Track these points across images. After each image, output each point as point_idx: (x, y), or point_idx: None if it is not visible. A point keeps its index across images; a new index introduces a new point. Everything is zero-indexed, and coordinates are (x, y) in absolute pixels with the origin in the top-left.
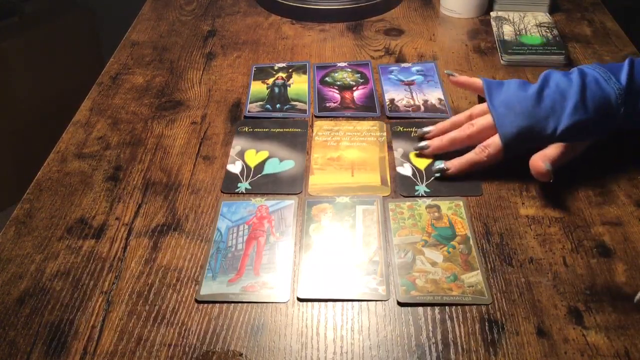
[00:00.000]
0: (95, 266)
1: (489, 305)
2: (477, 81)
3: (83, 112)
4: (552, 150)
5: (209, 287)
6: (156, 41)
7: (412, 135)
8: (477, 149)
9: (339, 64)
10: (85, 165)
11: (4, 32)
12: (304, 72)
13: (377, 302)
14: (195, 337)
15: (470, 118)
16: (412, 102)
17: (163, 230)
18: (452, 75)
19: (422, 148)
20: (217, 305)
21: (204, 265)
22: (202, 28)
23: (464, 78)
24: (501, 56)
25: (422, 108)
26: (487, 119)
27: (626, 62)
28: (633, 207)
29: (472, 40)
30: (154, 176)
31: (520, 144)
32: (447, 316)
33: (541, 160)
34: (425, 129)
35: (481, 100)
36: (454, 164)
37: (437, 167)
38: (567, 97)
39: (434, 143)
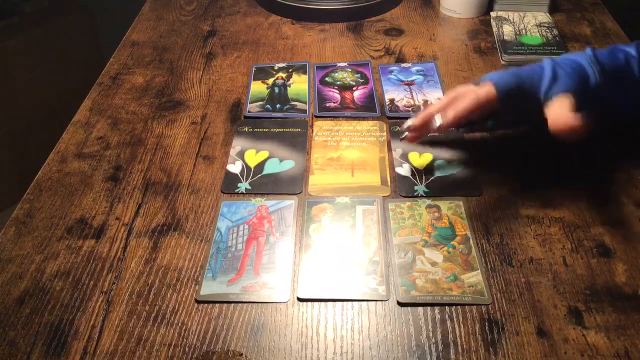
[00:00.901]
0: (95, 266)
1: (489, 305)
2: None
3: (83, 112)
4: (563, 100)
5: (209, 287)
6: (156, 41)
7: None
8: (468, 96)
9: (339, 64)
10: (85, 165)
11: (4, 32)
12: (304, 72)
13: (377, 302)
14: (195, 337)
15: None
16: (412, 102)
17: (163, 230)
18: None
19: (404, 132)
20: (217, 305)
21: (204, 265)
22: (202, 28)
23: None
24: (501, 56)
25: (422, 108)
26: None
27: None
28: (633, 207)
29: (472, 40)
30: (154, 176)
31: (514, 88)
32: (447, 316)
33: (566, 109)
34: (409, 123)
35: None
36: (449, 114)
37: (437, 121)
38: (539, 78)
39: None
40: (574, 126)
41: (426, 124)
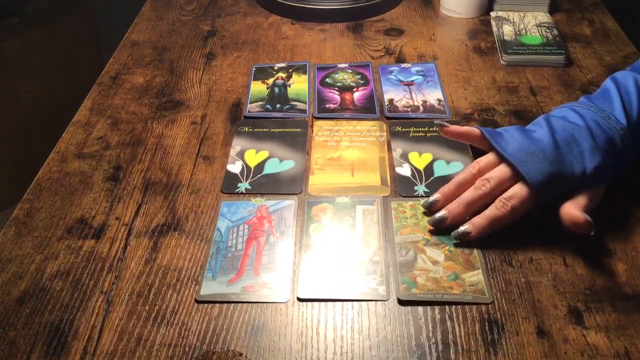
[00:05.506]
0: (95, 266)
1: (489, 305)
2: (473, 130)
3: (83, 112)
4: (583, 198)
5: (209, 287)
6: (156, 41)
7: (410, 135)
8: (497, 203)
9: (339, 65)
10: (85, 165)
11: (4, 32)
12: (304, 72)
13: (377, 302)
14: (195, 337)
15: (479, 173)
16: (411, 103)
17: (163, 230)
18: (443, 125)
19: (440, 221)
20: (217, 305)
21: (204, 265)
22: (202, 28)
23: (455, 127)
24: (501, 56)
25: (421, 109)
26: (502, 171)
27: (614, 94)
28: (633, 207)
29: (472, 40)
30: (154, 176)
31: (552, 190)
32: (447, 316)
33: (577, 209)
34: (431, 199)
35: (476, 151)
36: (475, 226)
37: (459, 231)
38: (581, 141)
39: (451, 212)
40: (579, 225)
41: (448, 198)
